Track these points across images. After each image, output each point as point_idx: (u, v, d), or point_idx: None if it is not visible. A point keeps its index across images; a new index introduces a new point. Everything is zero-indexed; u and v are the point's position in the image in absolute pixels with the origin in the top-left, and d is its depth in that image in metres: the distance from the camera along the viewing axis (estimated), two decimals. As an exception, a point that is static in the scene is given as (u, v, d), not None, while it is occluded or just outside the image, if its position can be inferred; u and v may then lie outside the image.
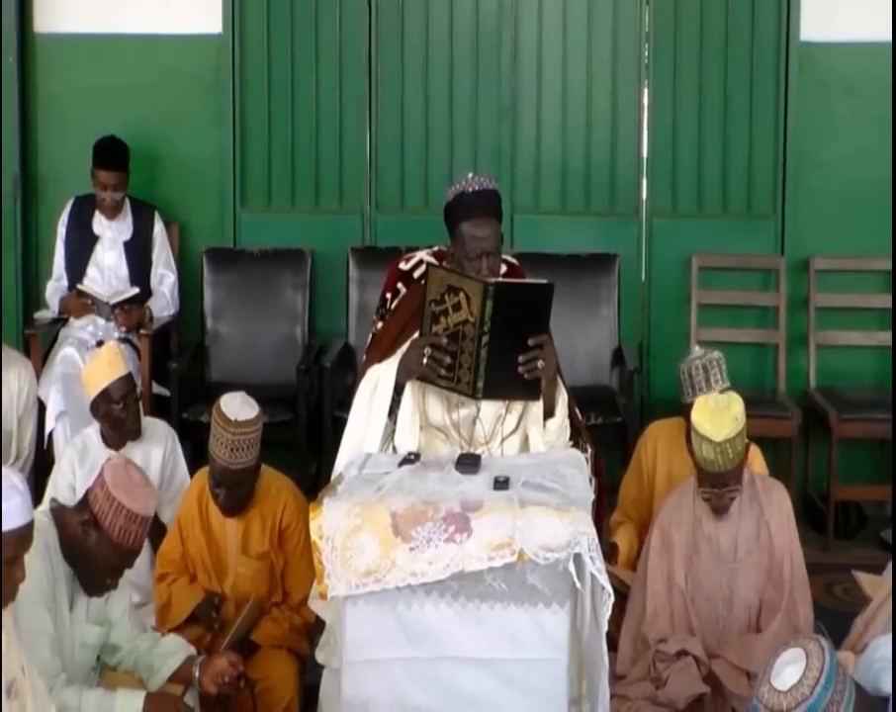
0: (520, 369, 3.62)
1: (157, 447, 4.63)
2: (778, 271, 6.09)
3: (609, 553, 4.17)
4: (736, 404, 3.78)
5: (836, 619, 4.14)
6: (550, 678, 3.15)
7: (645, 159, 6.21)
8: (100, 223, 5.82)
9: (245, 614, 3.94)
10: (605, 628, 3.23)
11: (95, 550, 3.29)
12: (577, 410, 4.00)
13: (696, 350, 4.27)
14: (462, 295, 3.56)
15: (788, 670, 2.55)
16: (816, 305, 6.08)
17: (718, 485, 3.82)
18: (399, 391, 3.73)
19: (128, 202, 5.86)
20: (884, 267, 6.07)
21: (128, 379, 4.55)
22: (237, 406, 3.91)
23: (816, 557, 4.96)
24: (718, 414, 3.75)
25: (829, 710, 2.53)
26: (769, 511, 3.96)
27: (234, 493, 3.98)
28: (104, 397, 4.50)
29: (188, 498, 4.18)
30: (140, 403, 4.73)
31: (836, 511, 5.75)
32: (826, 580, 5.12)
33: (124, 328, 5.63)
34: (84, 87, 6.18)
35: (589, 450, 3.90)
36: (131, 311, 5.65)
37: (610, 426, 5.53)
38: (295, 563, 4.06)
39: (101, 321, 5.66)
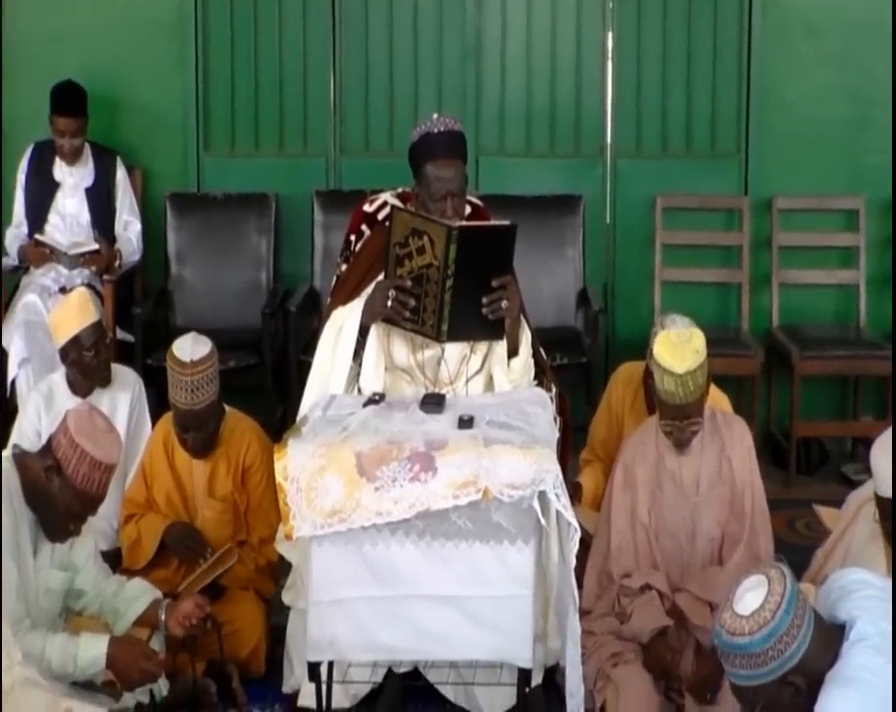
0: (484, 310, 3.61)
1: (125, 394, 4.61)
2: (742, 211, 6.08)
3: (573, 492, 4.17)
4: (697, 338, 3.78)
5: (797, 553, 4.14)
6: (515, 615, 3.16)
7: (609, 101, 6.17)
8: (60, 170, 5.74)
9: (221, 557, 3.94)
10: (573, 563, 3.23)
11: (58, 496, 3.27)
12: (541, 350, 4.00)
13: (676, 321, 4.23)
14: (426, 238, 3.54)
15: (750, 596, 2.56)
16: (779, 244, 6.08)
17: (679, 417, 3.82)
18: (363, 333, 3.71)
19: (88, 147, 5.77)
20: (846, 206, 6.09)
21: (98, 325, 4.52)
22: (190, 347, 3.93)
23: (778, 493, 4.99)
24: (680, 347, 3.76)
25: (789, 634, 2.53)
26: (731, 446, 3.97)
27: (202, 434, 4.01)
28: (74, 343, 4.46)
29: (153, 444, 4.16)
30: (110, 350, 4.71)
31: (798, 448, 5.78)
32: (788, 516, 5.15)
33: (88, 272, 5.57)
34: (43, 31, 6.06)
35: (554, 389, 3.90)
36: (101, 255, 5.59)
37: (575, 367, 5.53)
38: (257, 503, 4.08)
39: (63, 269, 5.60)
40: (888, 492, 3.59)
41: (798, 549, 4.39)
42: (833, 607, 2.65)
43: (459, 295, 3.58)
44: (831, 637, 2.58)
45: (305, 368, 4.07)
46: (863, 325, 6.03)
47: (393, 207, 3.74)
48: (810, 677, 2.54)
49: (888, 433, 3.68)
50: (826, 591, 2.76)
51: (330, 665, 3.39)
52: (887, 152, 6.04)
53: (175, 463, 4.11)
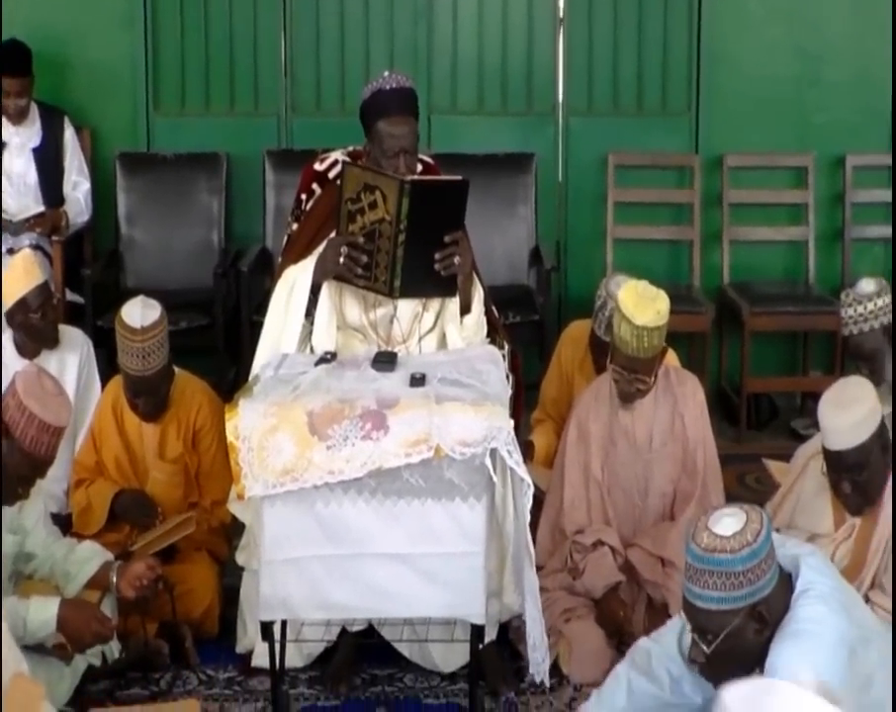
0: (436, 266, 3.58)
1: (73, 355, 4.55)
2: (693, 168, 6.07)
3: (525, 451, 4.16)
4: (662, 301, 3.79)
5: (748, 507, 4.17)
6: (467, 571, 3.14)
7: (561, 59, 6.13)
8: (6, 130, 5.60)
9: (178, 525, 3.90)
10: (528, 519, 3.22)
11: (6, 459, 3.22)
12: (493, 308, 3.98)
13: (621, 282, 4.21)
14: (378, 193, 3.51)
15: (728, 520, 2.53)
16: (729, 201, 6.08)
17: (628, 369, 3.82)
18: (315, 291, 3.67)
19: (35, 107, 5.66)
20: (795, 163, 6.11)
21: (45, 287, 4.45)
22: (139, 313, 3.88)
23: (729, 448, 5.01)
24: (644, 301, 3.76)
25: (766, 562, 2.52)
26: (683, 403, 3.98)
27: (154, 398, 3.97)
28: (21, 306, 4.39)
29: (102, 407, 4.12)
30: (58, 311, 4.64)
31: (748, 403, 5.80)
32: (738, 471, 5.17)
33: (35, 234, 5.48)
34: (-14, -11, 5.96)
35: (506, 347, 3.88)
36: (46, 217, 5.51)
37: (528, 324, 5.52)
38: (208, 464, 4.06)
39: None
40: (835, 446, 3.60)
41: (748, 503, 4.36)
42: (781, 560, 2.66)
43: (411, 250, 3.55)
44: (784, 583, 2.60)
45: (257, 328, 4.03)
46: (812, 281, 6.05)
47: (344, 162, 3.70)
48: (773, 615, 2.53)
49: (836, 387, 3.69)
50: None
51: (284, 624, 3.36)
52: (835, 110, 6.10)
53: (124, 426, 4.07)
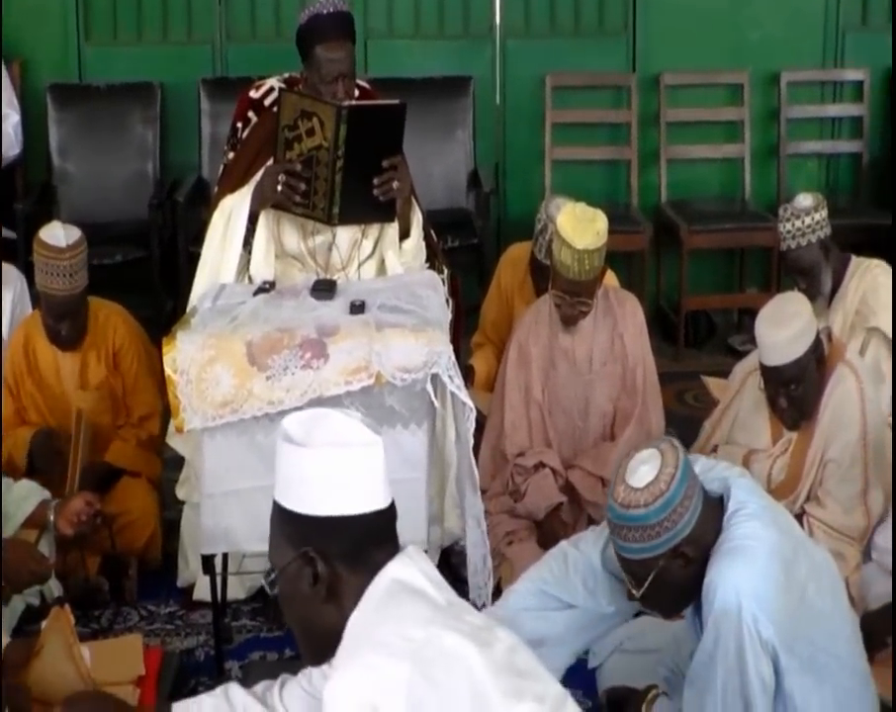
0: (375, 191, 3.53)
1: (7, 292, 4.45)
2: (630, 88, 6.03)
3: (466, 375, 4.14)
4: (600, 221, 3.76)
5: (687, 425, 4.20)
6: (409, 498, 3.08)
7: (497, -20, 6.05)
8: (-70, 63, 5.49)
9: (77, 432, 3.83)
10: (471, 443, 3.20)
11: None
12: (432, 232, 3.95)
13: (560, 205, 4.16)
14: (315, 119, 3.45)
15: (644, 469, 2.55)
16: (666, 120, 6.05)
17: (569, 292, 3.80)
18: (253, 220, 3.61)
19: (-40, 38, 5.53)
20: (730, 80, 6.08)
21: None
22: (62, 234, 3.87)
23: (668, 366, 5.01)
24: (582, 224, 3.73)
25: (682, 505, 2.54)
26: (623, 323, 3.96)
27: (76, 322, 3.95)
28: None
29: (13, 353, 4.07)
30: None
31: (686, 321, 5.82)
32: (677, 388, 5.18)
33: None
34: None
35: (446, 271, 3.86)
36: None
37: (467, 248, 5.49)
38: (132, 383, 4.06)
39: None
40: (772, 362, 3.61)
41: (687, 420, 4.43)
42: (712, 484, 2.67)
43: (349, 176, 3.50)
44: (714, 508, 2.62)
45: (194, 260, 3.96)
46: (748, 198, 6.05)
47: (280, 89, 3.64)
48: (699, 548, 2.57)
49: (772, 304, 3.69)
50: (705, 470, 2.79)
51: (225, 557, 3.33)
52: (768, 27, 6.06)
53: (39, 365, 4.03)
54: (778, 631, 2.52)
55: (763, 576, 2.52)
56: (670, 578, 2.58)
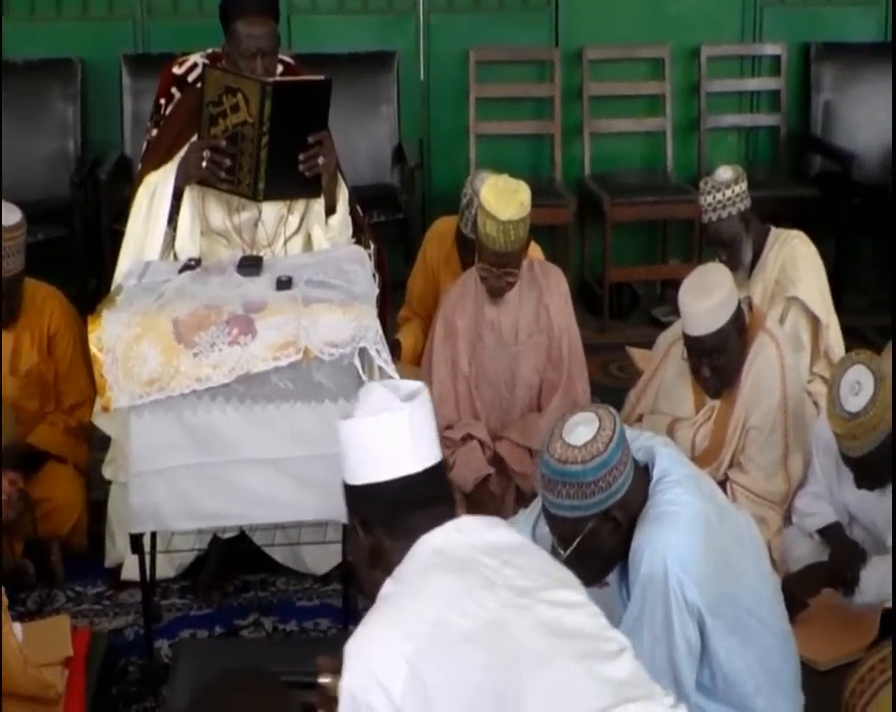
0: (301, 167, 3.51)
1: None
2: (553, 62, 6.03)
3: (393, 350, 4.14)
4: (524, 192, 3.77)
5: (611, 395, 4.21)
6: (339, 473, 3.10)
7: (419, -46, 6.02)
8: None
9: None
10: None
11: None
12: (358, 208, 3.93)
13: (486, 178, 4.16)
14: (240, 95, 3.43)
15: (581, 429, 2.56)
16: (589, 94, 6.06)
17: (496, 264, 3.80)
18: (177, 196, 3.58)
19: None
20: (652, 55, 6.10)
21: None
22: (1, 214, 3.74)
23: (592, 338, 5.04)
24: (506, 195, 3.73)
25: (618, 468, 2.56)
26: (548, 294, 3.97)
27: (10, 303, 3.85)
28: None
29: None
30: None
31: (610, 293, 5.84)
32: (602, 360, 5.21)
33: None
34: None
35: (372, 246, 3.84)
36: None
37: (392, 223, 5.47)
38: (66, 370, 3.97)
39: None
40: (695, 332, 3.64)
41: (612, 391, 4.45)
42: (637, 453, 2.70)
43: (275, 152, 3.48)
44: (641, 476, 2.64)
45: (117, 238, 3.91)
46: (670, 171, 6.08)
47: (204, 65, 3.61)
48: (628, 514, 2.60)
49: (694, 275, 3.72)
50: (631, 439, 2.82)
51: (153, 535, 3.31)
52: (688, 1, 6.09)
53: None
54: (703, 594, 2.55)
55: (688, 540, 2.55)
56: (597, 541, 2.60)
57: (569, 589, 2.08)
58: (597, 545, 2.60)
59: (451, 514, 2.06)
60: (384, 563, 2.03)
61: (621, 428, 2.58)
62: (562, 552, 2.62)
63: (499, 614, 1.95)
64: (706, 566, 2.55)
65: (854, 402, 3.20)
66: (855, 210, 5.76)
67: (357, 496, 2.05)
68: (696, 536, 2.55)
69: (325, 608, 3.60)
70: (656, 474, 2.63)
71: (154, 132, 3.82)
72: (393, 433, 2.03)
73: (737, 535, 2.71)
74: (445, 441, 3.90)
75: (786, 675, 2.78)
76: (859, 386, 3.21)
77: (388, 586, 2.00)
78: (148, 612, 3.29)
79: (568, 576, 2.13)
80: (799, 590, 3.39)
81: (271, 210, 3.67)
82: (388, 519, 2.02)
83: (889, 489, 3.35)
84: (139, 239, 3.62)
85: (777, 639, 2.75)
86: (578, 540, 2.58)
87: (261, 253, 3.59)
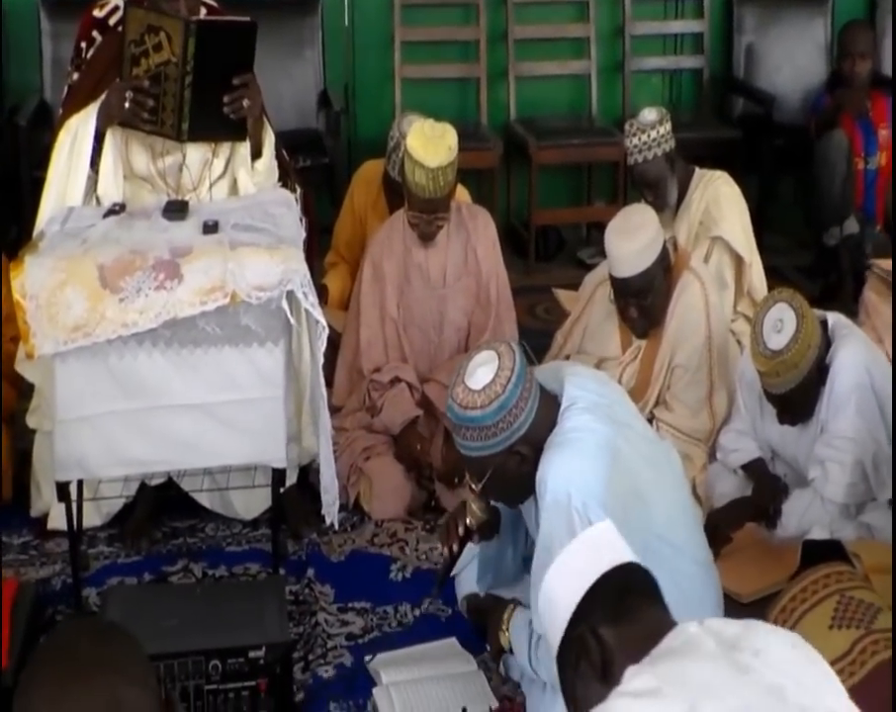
0: (225, 109, 3.45)
1: None
2: (478, 5, 5.96)
3: (319, 294, 4.11)
4: (450, 135, 3.74)
5: (539, 337, 4.22)
6: (267, 417, 3.08)
7: None
8: None
9: None
10: (322, 361, 3.17)
11: None
12: (284, 152, 3.88)
13: (413, 121, 4.12)
14: (163, 34, 3.35)
15: (481, 371, 2.60)
16: (514, 37, 6.01)
17: (426, 211, 3.79)
18: (99, 139, 3.49)
19: None
20: (577, -4, 6.07)
21: None
22: None
23: (519, 280, 5.02)
24: (433, 142, 3.70)
25: (518, 407, 2.60)
26: (476, 237, 3.96)
27: None
28: None
29: None
30: None
31: (536, 236, 5.83)
32: (529, 302, 5.21)
33: None
34: None
35: (298, 190, 3.78)
36: None
37: (318, 168, 5.40)
38: None
39: None
40: (621, 273, 3.64)
41: (540, 333, 4.45)
42: (549, 382, 2.72)
43: (199, 93, 3.41)
44: (550, 405, 2.67)
45: (38, 184, 3.81)
46: (595, 114, 6.07)
47: (126, 3, 3.51)
48: (534, 446, 2.64)
49: (620, 216, 3.73)
50: (554, 368, 2.85)
51: (80, 483, 3.24)
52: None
53: None
54: (609, 517, 2.57)
55: (591, 464, 2.58)
56: (507, 473, 2.65)
57: None
58: (507, 477, 2.66)
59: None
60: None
61: (521, 363, 2.61)
62: (475, 486, 2.70)
63: None
64: (612, 489, 2.58)
65: (777, 340, 3.23)
66: (777, 151, 5.80)
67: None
68: (600, 460, 2.59)
69: (255, 553, 3.58)
70: (564, 402, 2.67)
71: (75, 76, 3.74)
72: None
73: (653, 461, 2.76)
74: (373, 384, 3.90)
75: (707, 604, 2.82)
76: (782, 323, 3.24)
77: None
78: (76, 561, 3.23)
79: None
80: (723, 525, 3.43)
81: (196, 154, 3.60)
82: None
83: (811, 424, 3.40)
84: (61, 184, 3.54)
85: (697, 567, 2.79)
86: (487, 475, 2.65)
87: (186, 198, 3.53)
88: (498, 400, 2.57)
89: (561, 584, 1.83)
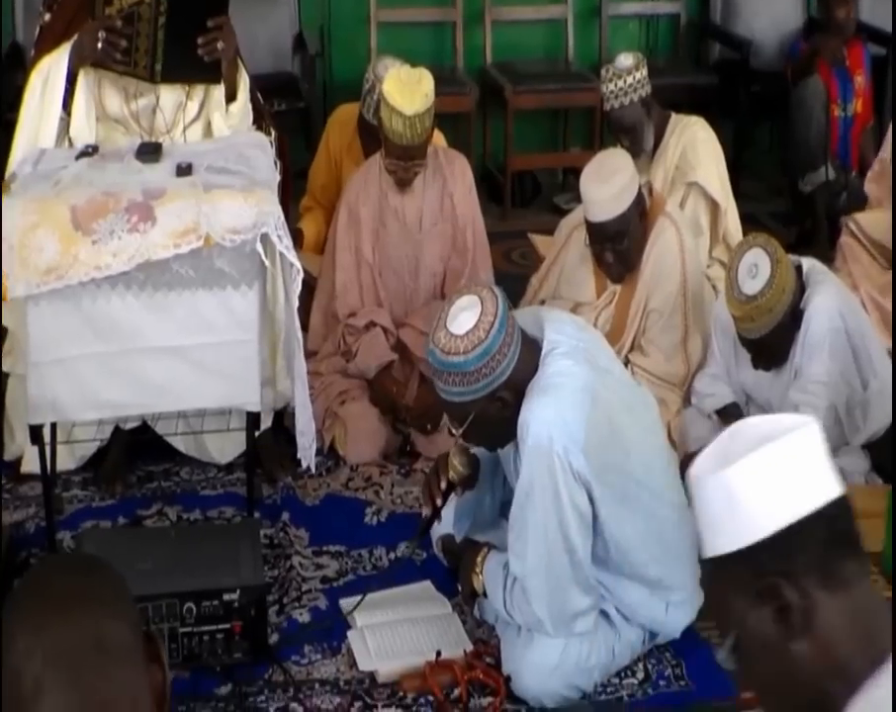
0: (200, 50, 3.40)
1: None
2: (454, -52, 5.93)
3: (295, 238, 4.08)
4: (427, 81, 3.71)
5: (515, 281, 4.20)
6: (241, 360, 3.05)
7: None
8: None
9: None
10: (296, 304, 3.14)
11: None
12: (258, 95, 3.83)
13: (389, 65, 4.08)
14: None
15: (464, 316, 2.58)
16: (490, -19, 5.98)
17: (404, 158, 3.76)
18: (72, 80, 3.44)
19: None
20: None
21: None
22: None
23: (495, 226, 5.00)
24: (409, 88, 3.67)
25: (500, 352, 2.59)
26: (452, 182, 3.94)
27: None
28: None
29: None
30: None
31: (512, 181, 5.80)
32: (505, 247, 5.19)
33: None
34: None
35: (273, 133, 3.75)
36: None
37: (293, 112, 5.38)
38: None
39: None
40: (597, 218, 3.63)
41: (515, 278, 4.43)
42: (529, 328, 2.71)
43: (173, 34, 3.37)
44: (531, 350, 2.66)
45: (10, 126, 3.75)
46: (571, 59, 6.03)
47: (98, -59, 3.45)
48: (516, 391, 2.63)
49: (596, 161, 3.71)
50: (531, 312, 2.84)
51: (53, 426, 3.22)
52: None
53: None
54: (590, 462, 2.58)
55: (572, 409, 2.58)
56: (488, 418, 2.64)
57: None
58: (488, 423, 2.65)
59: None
60: (815, 631, 1.40)
61: (504, 309, 2.59)
62: (455, 430, 2.69)
63: None
64: (592, 434, 2.58)
65: (752, 285, 3.23)
66: (753, 97, 5.79)
67: (768, 551, 1.41)
68: (582, 406, 2.59)
69: (230, 497, 3.56)
70: (545, 346, 2.66)
71: (47, 17, 3.66)
72: (809, 449, 1.46)
73: (630, 406, 2.76)
74: (348, 329, 3.88)
75: (683, 547, 2.83)
76: (756, 269, 3.23)
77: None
78: (49, 504, 3.20)
79: None
80: (694, 452, 3.43)
81: (169, 96, 3.56)
82: (820, 567, 1.41)
83: (785, 369, 3.40)
84: (33, 125, 3.49)
85: (672, 510, 2.79)
86: (468, 421, 2.63)
87: (160, 140, 3.49)
88: (482, 346, 2.55)
89: (758, 494, 1.41)
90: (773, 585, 1.41)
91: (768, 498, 1.41)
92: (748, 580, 1.42)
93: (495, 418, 2.64)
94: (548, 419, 2.56)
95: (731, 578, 1.45)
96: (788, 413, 1.51)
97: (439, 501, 2.82)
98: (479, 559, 2.89)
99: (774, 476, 1.41)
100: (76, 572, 1.44)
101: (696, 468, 1.48)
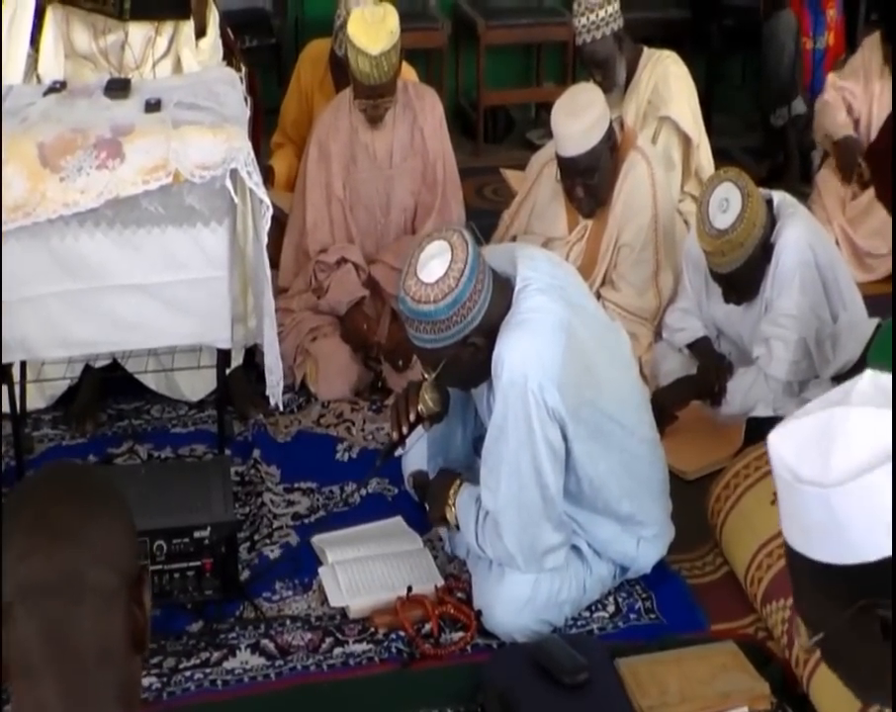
0: None
1: None
2: None
3: (266, 176, 4.02)
4: (391, 18, 3.64)
5: (486, 217, 4.18)
6: (212, 297, 3.00)
7: None
8: None
9: None
10: (265, 241, 3.09)
11: None
12: (229, 31, 3.77)
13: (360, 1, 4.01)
14: None
15: (434, 263, 2.53)
16: (463, -85, 5.88)
17: (373, 96, 3.71)
18: (40, 16, 3.37)
19: None
20: None
21: None
22: None
23: (468, 162, 4.96)
24: (374, 27, 3.61)
25: (471, 299, 2.56)
26: (423, 117, 3.89)
27: None
28: None
29: None
30: None
31: (485, 117, 5.74)
32: (477, 183, 5.14)
33: None
34: None
35: (243, 69, 3.67)
36: None
37: (264, 48, 5.32)
38: None
39: None
40: (568, 152, 3.59)
41: (487, 213, 4.40)
42: (504, 265, 2.67)
43: None
44: (504, 288, 2.63)
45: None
46: (544, -6, 5.97)
47: None
48: (488, 334, 2.60)
49: (567, 96, 3.66)
50: (507, 250, 2.80)
51: (23, 365, 3.17)
52: None
53: None
54: (564, 398, 2.55)
55: (548, 346, 2.56)
56: (460, 363, 2.62)
57: None
58: (460, 367, 2.63)
59: None
60: None
61: (474, 254, 2.55)
62: (428, 375, 2.66)
63: None
64: (567, 370, 2.56)
65: (722, 219, 3.19)
66: (726, 31, 5.73)
67: (873, 576, 1.33)
68: (556, 341, 2.56)
69: (201, 434, 3.52)
70: (518, 282, 2.62)
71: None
72: None
73: (603, 342, 2.73)
74: (319, 265, 3.84)
75: (654, 482, 2.82)
76: (727, 203, 3.20)
77: None
78: (19, 443, 3.15)
79: None
80: (669, 403, 3.42)
81: (138, 32, 3.48)
82: None
83: (756, 303, 3.38)
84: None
85: (644, 446, 2.78)
86: (440, 366, 2.61)
87: (129, 76, 3.41)
88: (452, 295, 2.51)
89: (863, 522, 1.32)
90: (872, 605, 1.34)
91: (873, 528, 1.33)
92: (845, 595, 1.37)
93: (468, 363, 2.62)
94: (523, 356, 2.53)
95: (829, 587, 1.39)
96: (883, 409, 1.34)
97: (405, 430, 2.79)
98: (451, 491, 2.86)
99: (877, 506, 1.32)
100: (79, 500, 1.37)
101: (786, 458, 1.35)
